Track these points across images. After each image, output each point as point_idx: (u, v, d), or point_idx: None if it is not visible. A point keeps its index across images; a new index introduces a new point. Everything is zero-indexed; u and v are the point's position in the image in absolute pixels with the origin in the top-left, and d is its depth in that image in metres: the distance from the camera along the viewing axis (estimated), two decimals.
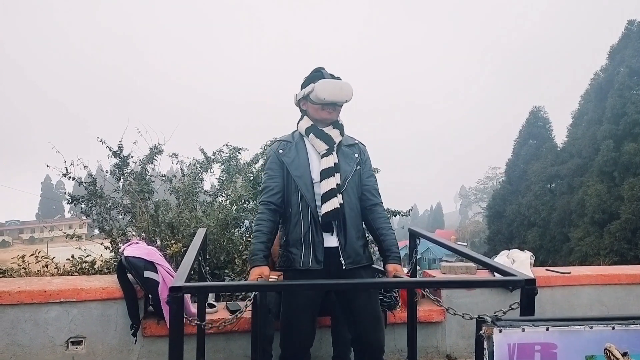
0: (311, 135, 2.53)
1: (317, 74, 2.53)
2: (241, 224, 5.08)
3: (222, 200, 5.32)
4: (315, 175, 2.48)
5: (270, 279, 2.46)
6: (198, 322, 2.19)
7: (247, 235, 4.97)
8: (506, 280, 1.89)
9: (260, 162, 5.44)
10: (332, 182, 2.44)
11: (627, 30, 31.03)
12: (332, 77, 2.53)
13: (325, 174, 2.45)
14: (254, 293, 2.28)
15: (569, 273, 3.68)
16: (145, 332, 2.91)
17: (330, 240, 2.46)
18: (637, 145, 26.20)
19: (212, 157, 5.47)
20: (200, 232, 2.71)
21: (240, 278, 4.36)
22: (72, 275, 4.55)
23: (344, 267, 2.43)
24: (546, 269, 3.82)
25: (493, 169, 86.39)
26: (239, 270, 4.44)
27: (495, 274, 2.31)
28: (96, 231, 5.35)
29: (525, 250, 3.77)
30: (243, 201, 4.98)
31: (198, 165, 5.43)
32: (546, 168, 33.71)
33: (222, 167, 5.45)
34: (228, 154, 5.48)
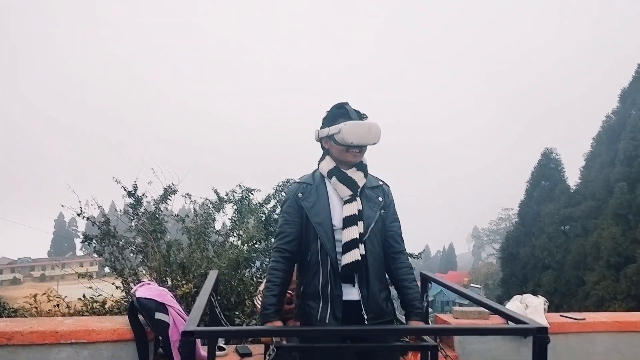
0: (334, 179, 2.38)
1: (341, 112, 2.39)
2: (252, 265, 5.09)
3: (233, 241, 5.35)
4: (337, 222, 2.33)
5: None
6: None
7: (258, 276, 4.97)
8: (518, 328, 1.86)
9: (272, 202, 5.49)
10: (355, 231, 2.29)
11: (637, 74, 31.21)
12: (358, 114, 2.40)
13: (348, 222, 2.30)
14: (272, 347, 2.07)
15: (584, 319, 3.61)
16: None
17: (352, 293, 2.32)
18: None
19: (225, 197, 5.54)
20: (212, 275, 2.71)
21: (251, 320, 4.34)
22: (83, 315, 4.55)
23: (366, 322, 2.28)
24: (560, 315, 3.75)
25: (505, 210, 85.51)
26: (249, 311, 4.43)
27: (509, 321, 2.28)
28: (107, 269, 5.38)
29: (539, 295, 3.72)
30: (255, 241, 5.01)
31: (210, 205, 5.49)
32: (559, 210, 33.33)
33: (235, 207, 5.51)
34: (240, 195, 5.55)
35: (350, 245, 2.27)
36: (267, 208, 5.46)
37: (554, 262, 32.16)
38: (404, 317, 2.50)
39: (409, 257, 5.46)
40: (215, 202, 5.52)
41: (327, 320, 2.26)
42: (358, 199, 2.36)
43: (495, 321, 3.53)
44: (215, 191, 5.62)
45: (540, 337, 1.67)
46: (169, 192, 5.27)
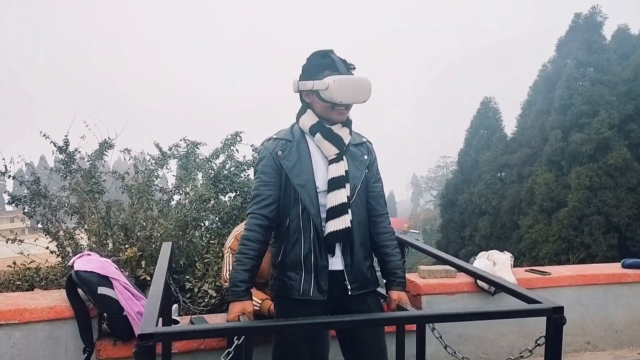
0: (318, 135, 2.12)
1: (327, 62, 2.07)
2: (201, 225, 4.76)
3: (180, 199, 4.97)
4: (320, 184, 2.10)
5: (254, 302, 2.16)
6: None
7: (209, 237, 4.66)
8: (531, 310, 1.67)
9: (222, 157, 5.11)
10: (342, 194, 2.07)
11: (573, 23, 31.88)
12: (345, 64, 2.09)
13: (334, 184, 2.08)
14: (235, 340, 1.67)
15: (549, 274, 3.60)
16: (100, 354, 2.60)
17: (335, 261, 2.12)
18: (584, 136, 27.03)
19: (169, 152, 5.09)
20: (166, 248, 2.33)
21: (202, 283, 4.06)
22: (14, 284, 4.15)
23: (349, 293, 2.10)
24: (525, 270, 3.72)
25: (444, 157, 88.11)
26: (200, 274, 4.14)
27: (516, 298, 2.01)
28: (40, 225, 4.88)
29: (505, 252, 3.64)
30: (203, 200, 4.66)
31: (153, 162, 5.04)
32: (496, 157, 34.40)
33: (180, 162, 5.09)
34: (186, 149, 5.13)
35: (337, 211, 2.06)
36: (215, 163, 5.07)
37: (491, 207, 33.45)
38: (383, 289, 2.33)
39: None
40: (158, 157, 5.07)
41: (310, 294, 2.07)
42: (345, 158, 2.13)
43: (462, 279, 3.43)
44: (157, 145, 5.14)
45: (555, 318, 1.48)
46: (104, 147, 4.78)
